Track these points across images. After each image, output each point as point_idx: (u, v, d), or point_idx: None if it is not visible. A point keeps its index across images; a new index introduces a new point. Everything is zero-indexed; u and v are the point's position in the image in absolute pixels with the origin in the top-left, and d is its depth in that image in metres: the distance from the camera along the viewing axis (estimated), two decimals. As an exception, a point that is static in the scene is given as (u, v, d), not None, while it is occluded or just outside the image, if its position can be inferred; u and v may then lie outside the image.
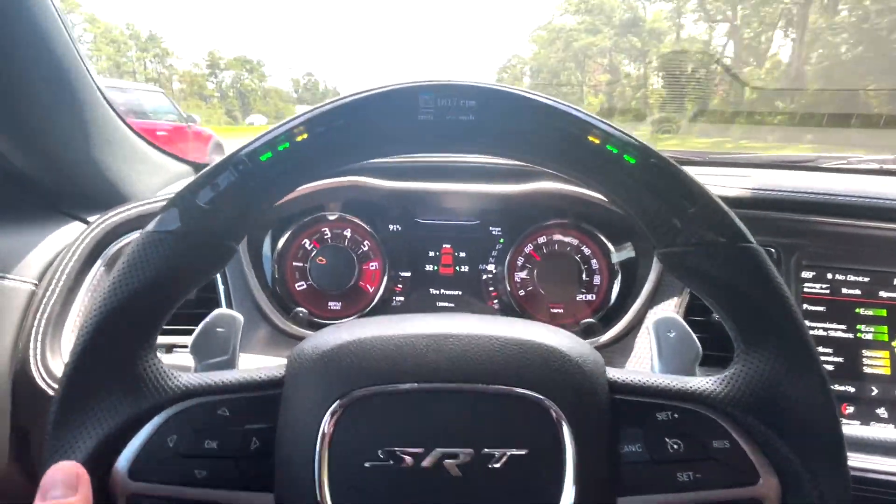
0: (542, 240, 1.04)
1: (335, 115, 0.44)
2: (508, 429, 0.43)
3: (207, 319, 0.55)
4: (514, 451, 0.42)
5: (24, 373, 0.76)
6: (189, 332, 0.82)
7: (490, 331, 0.46)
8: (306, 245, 1.04)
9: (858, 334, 0.87)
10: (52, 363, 0.77)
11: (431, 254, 1.06)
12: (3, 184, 0.98)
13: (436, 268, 1.06)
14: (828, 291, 0.88)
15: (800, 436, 0.43)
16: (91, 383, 0.43)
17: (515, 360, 0.44)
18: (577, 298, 1.03)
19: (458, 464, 0.41)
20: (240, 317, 0.57)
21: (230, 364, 0.54)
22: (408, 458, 0.41)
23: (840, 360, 0.86)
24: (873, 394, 0.85)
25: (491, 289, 1.05)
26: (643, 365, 0.86)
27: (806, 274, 0.89)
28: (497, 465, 0.41)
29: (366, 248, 1.05)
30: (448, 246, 1.06)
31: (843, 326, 0.87)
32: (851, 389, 0.85)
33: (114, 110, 1.02)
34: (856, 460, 0.75)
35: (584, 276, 1.03)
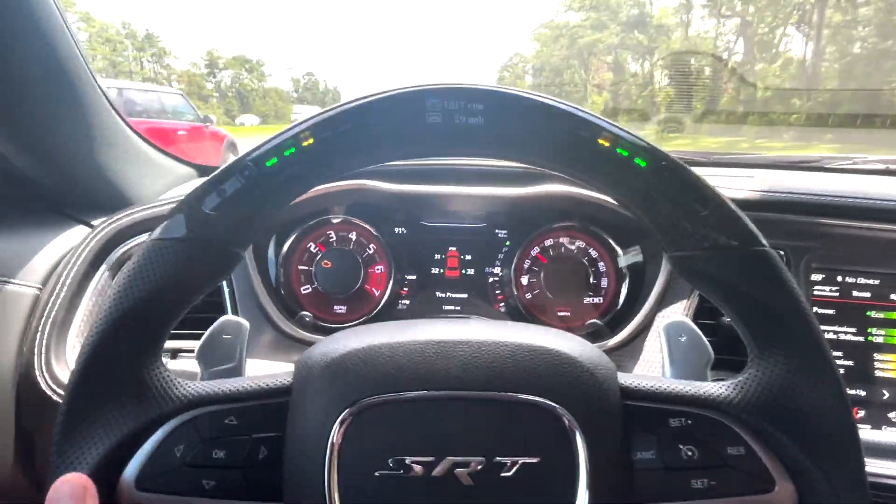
0: (548, 243, 1.03)
1: (341, 120, 0.44)
2: (520, 436, 0.42)
3: (214, 326, 0.55)
4: (527, 459, 0.41)
5: (29, 378, 0.75)
6: (193, 337, 0.82)
7: (500, 337, 0.45)
8: (311, 248, 1.04)
9: (869, 337, 0.86)
10: (57, 368, 0.77)
11: (437, 257, 1.05)
12: (6, 187, 0.97)
13: (442, 271, 1.05)
14: (838, 294, 0.88)
15: (816, 441, 0.42)
16: (97, 393, 0.43)
17: (526, 367, 0.43)
18: (585, 302, 1.02)
19: (469, 472, 0.41)
20: (246, 323, 0.56)
21: (237, 371, 0.54)
22: (418, 467, 0.41)
23: (850, 363, 0.85)
24: (885, 398, 0.84)
25: (497, 292, 1.05)
26: (652, 369, 0.86)
27: (816, 276, 0.88)
28: (509, 474, 0.41)
29: (371, 252, 1.04)
30: (454, 249, 1.05)
31: (854, 329, 0.87)
32: (862, 393, 0.84)
33: (117, 112, 1.02)
34: (867, 465, 0.75)
35: (591, 279, 1.02)
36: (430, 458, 0.41)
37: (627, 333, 0.91)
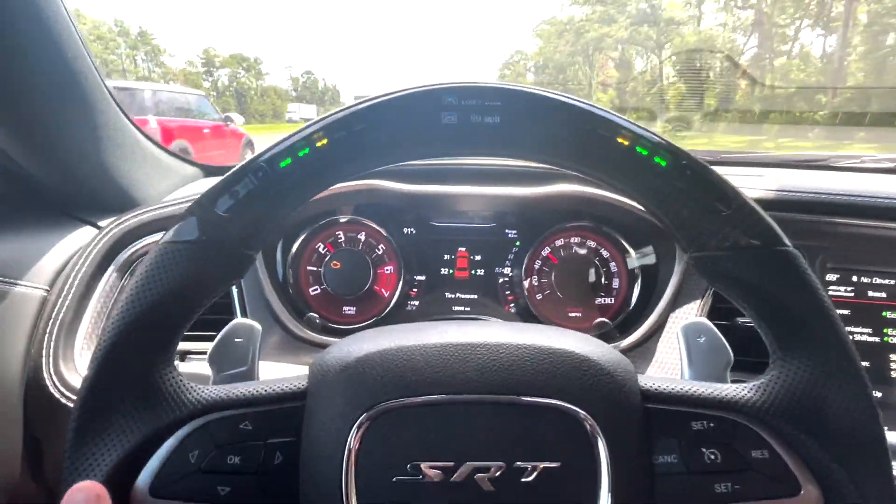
0: (559, 243, 1.02)
1: (355, 120, 0.43)
2: (540, 441, 0.41)
3: (226, 329, 0.55)
4: (547, 464, 0.40)
5: (37, 381, 0.75)
6: (202, 339, 0.81)
7: (518, 339, 0.45)
8: (320, 249, 1.03)
9: (885, 338, 0.85)
10: (65, 371, 0.76)
11: (447, 257, 1.04)
12: (12, 188, 0.97)
13: (451, 271, 1.04)
14: (853, 294, 0.87)
15: (842, 443, 0.41)
16: (110, 399, 0.42)
17: (546, 370, 0.43)
18: (596, 302, 1.01)
19: (489, 478, 0.40)
20: (258, 326, 0.56)
21: (249, 375, 0.53)
22: (437, 473, 0.40)
23: (867, 364, 0.84)
24: (902, 399, 0.83)
25: (507, 292, 1.04)
26: (666, 370, 0.85)
27: (831, 277, 0.88)
28: (529, 479, 0.40)
29: (380, 252, 1.03)
30: (463, 249, 1.04)
31: (870, 330, 0.86)
32: (879, 394, 0.84)
33: (123, 113, 1.01)
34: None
35: (602, 279, 1.01)
36: (450, 463, 0.40)
37: (640, 335, 0.90)
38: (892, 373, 0.84)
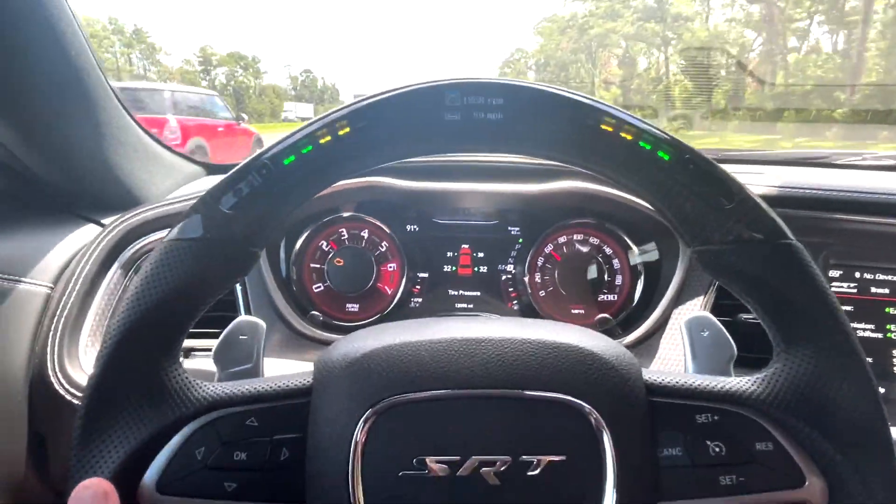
0: (562, 240, 1.03)
1: (358, 117, 0.43)
2: (546, 435, 0.42)
3: (230, 327, 0.54)
4: (553, 458, 0.41)
5: (42, 378, 0.75)
6: (207, 336, 0.82)
7: (523, 334, 0.45)
8: (323, 246, 1.03)
9: (888, 334, 0.85)
10: (70, 368, 0.76)
11: (450, 254, 1.04)
12: (16, 186, 0.97)
13: (454, 268, 1.04)
14: (856, 291, 0.87)
15: (846, 435, 0.42)
16: (116, 397, 0.42)
17: (551, 364, 0.43)
18: (599, 299, 1.01)
19: (495, 472, 0.40)
20: (262, 324, 0.56)
21: (254, 372, 0.53)
22: (444, 467, 0.40)
23: (869, 360, 0.84)
24: (905, 395, 0.83)
25: (510, 290, 1.04)
26: (669, 367, 0.85)
27: (833, 273, 0.88)
28: (535, 473, 0.40)
29: (384, 249, 1.04)
30: (466, 246, 1.04)
31: (872, 326, 0.86)
32: (882, 390, 0.84)
33: (126, 111, 1.01)
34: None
35: (605, 276, 1.01)
36: (456, 458, 0.41)
37: (643, 331, 0.90)
38: (895, 369, 0.84)
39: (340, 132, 0.43)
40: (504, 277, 1.04)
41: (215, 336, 0.54)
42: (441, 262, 1.05)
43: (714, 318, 0.55)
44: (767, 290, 0.43)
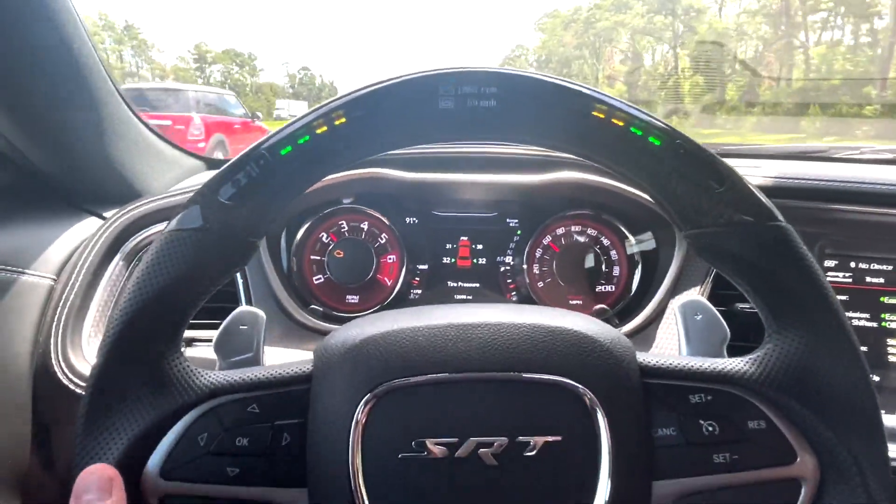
0: (560, 231, 1.03)
1: (354, 106, 0.44)
2: (542, 416, 0.42)
3: (230, 317, 0.55)
4: (549, 438, 0.42)
5: (46, 368, 0.76)
6: (208, 326, 0.82)
7: (518, 318, 0.46)
8: (324, 238, 1.04)
9: (883, 323, 0.86)
10: (74, 358, 0.77)
11: (449, 246, 1.05)
12: (18, 180, 0.98)
13: (453, 260, 1.05)
14: (851, 280, 0.88)
15: (836, 413, 0.43)
16: (119, 385, 0.43)
17: (546, 347, 0.44)
18: (597, 290, 1.02)
19: (492, 452, 0.41)
20: (262, 314, 0.56)
21: (255, 361, 0.54)
22: (442, 449, 0.41)
23: (865, 349, 0.85)
24: (899, 383, 0.84)
25: (509, 281, 1.05)
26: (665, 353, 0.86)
27: (829, 262, 0.88)
28: (532, 453, 0.41)
29: (383, 241, 1.04)
30: (465, 238, 1.05)
31: (868, 315, 0.87)
32: (876, 378, 0.84)
33: (128, 106, 1.02)
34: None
35: (603, 266, 1.02)
36: (454, 440, 0.41)
37: (642, 320, 0.91)
38: (890, 357, 0.85)
39: (337, 122, 0.44)
40: (503, 269, 1.05)
41: (217, 327, 0.55)
42: (440, 253, 1.05)
43: (707, 302, 0.55)
44: (758, 271, 0.44)
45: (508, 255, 1.05)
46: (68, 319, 0.79)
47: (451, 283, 1.05)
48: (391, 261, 1.04)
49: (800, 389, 0.43)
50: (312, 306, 1.00)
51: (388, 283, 1.04)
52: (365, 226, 1.04)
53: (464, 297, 1.05)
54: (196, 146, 7.73)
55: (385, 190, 1.01)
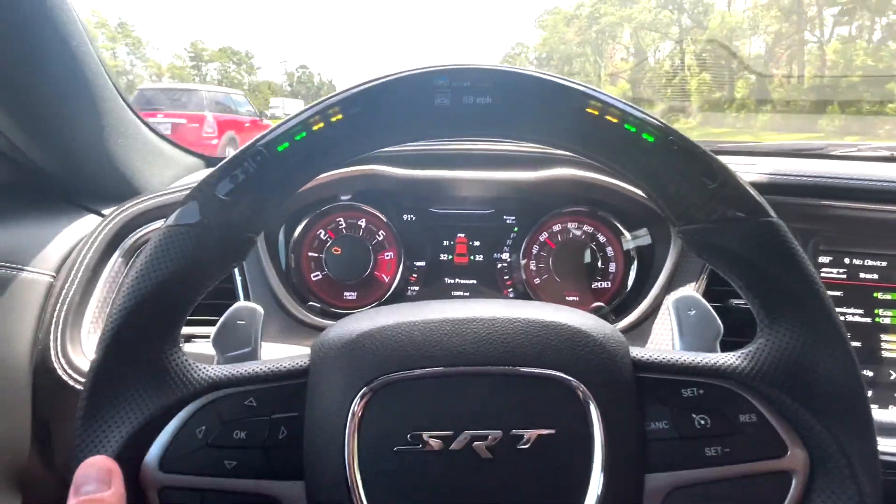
0: (556, 228, 1.04)
1: (350, 103, 0.44)
2: (536, 409, 0.43)
3: (228, 312, 0.55)
4: (543, 431, 0.42)
5: (46, 364, 0.76)
6: (206, 322, 0.83)
7: (512, 313, 0.46)
8: (321, 235, 1.04)
9: (876, 318, 0.87)
10: (73, 354, 0.78)
11: (446, 243, 1.06)
12: (18, 177, 0.98)
13: (450, 257, 1.06)
14: (845, 276, 0.88)
15: (827, 407, 0.43)
16: (118, 378, 0.43)
17: (540, 342, 0.44)
18: (593, 286, 1.03)
19: (487, 445, 0.42)
20: (260, 309, 0.56)
21: (252, 356, 0.54)
22: (438, 441, 0.42)
23: (858, 344, 0.86)
24: (892, 378, 0.85)
25: (506, 277, 1.05)
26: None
27: (823, 259, 0.89)
28: (526, 446, 0.42)
29: (381, 238, 1.05)
30: (462, 235, 1.06)
31: (861, 311, 0.87)
32: (870, 374, 0.85)
33: (127, 104, 1.02)
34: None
35: (599, 263, 1.03)
36: (449, 433, 0.42)
37: (637, 316, 0.91)
38: (884, 352, 0.86)
39: (333, 119, 0.44)
40: (500, 265, 1.05)
41: (215, 323, 0.55)
42: (437, 250, 1.06)
43: (700, 297, 0.56)
44: (750, 266, 0.45)
45: (505, 251, 1.05)
46: (67, 316, 0.80)
47: (448, 280, 1.06)
48: (388, 257, 1.05)
49: (791, 384, 0.44)
50: (310, 303, 1.00)
51: (386, 280, 1.05)
52: (362, 223, 1.05)
53: (461, 293, 1.05)
54: (210, 143, 8.06)
55: (382, 187, 1.01)
